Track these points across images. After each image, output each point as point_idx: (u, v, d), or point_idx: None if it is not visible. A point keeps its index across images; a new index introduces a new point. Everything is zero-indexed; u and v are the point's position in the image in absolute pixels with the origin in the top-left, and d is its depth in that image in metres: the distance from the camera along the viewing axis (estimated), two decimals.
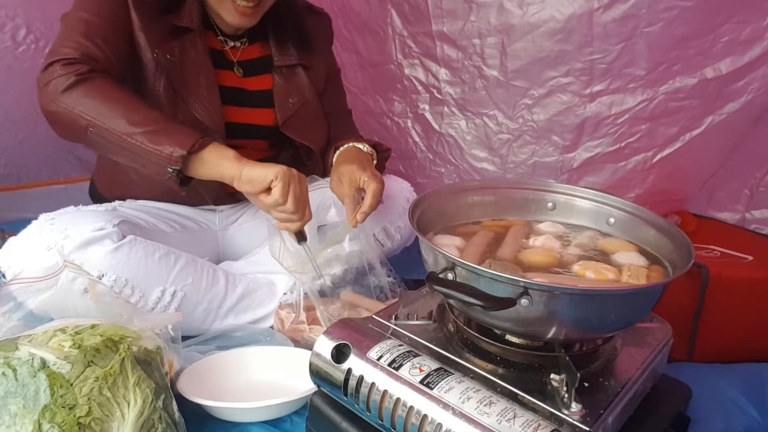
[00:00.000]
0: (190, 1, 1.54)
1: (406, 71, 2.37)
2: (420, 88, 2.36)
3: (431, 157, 2.40)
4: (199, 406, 1.22)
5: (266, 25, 1.71)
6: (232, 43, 1.69)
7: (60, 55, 1.38)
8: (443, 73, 2.27)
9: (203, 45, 1.57)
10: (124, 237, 1.41)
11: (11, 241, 1.39)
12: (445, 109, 2.31)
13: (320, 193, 1.75)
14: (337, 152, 1.75)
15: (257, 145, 1.75)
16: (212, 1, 1.55)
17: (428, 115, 2.37)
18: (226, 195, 1.76)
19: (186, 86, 1.54)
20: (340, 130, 1.90)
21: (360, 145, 1.74)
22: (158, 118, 1.37)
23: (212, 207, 1.79)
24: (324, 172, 1.86)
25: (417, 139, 2.43)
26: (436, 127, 2.35)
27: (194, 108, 1.55)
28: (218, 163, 1.37)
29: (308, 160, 1.83)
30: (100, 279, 1.35)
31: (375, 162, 1.74)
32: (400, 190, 1.84)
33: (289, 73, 1.75)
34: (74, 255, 1.33)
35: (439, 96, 2.31)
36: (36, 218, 1.43)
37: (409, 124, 2.44)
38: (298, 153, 1.81)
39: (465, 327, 1.08)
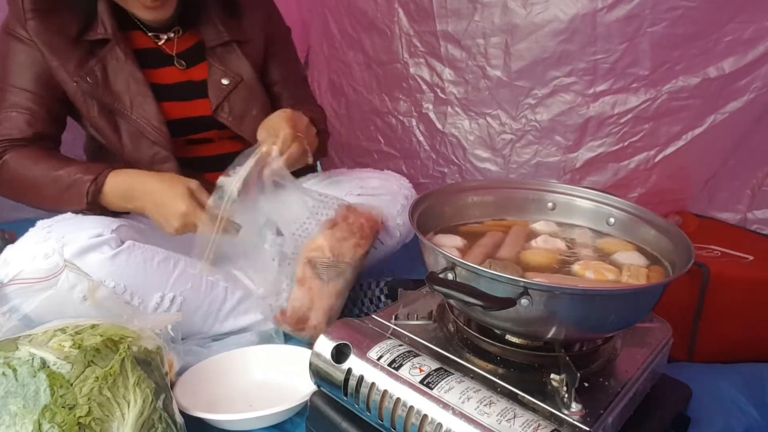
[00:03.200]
0: (100, 11, 1.49)
1: (412, 70, 2.36)
2: (424, 87, 2.35)
3: (434, 156, 2.40)
4: None
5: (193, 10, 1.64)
6: (164, 36, 1.62)
7: None
8: (447, 72, 2.26)
9: (125, 50, 1.52)
10: (122, 243, 1.40)
11: (8, 250, 1.37)
12: (449, 108, 2.30)
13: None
14: None
15: (225, 134, 1.69)
16: (119, 1, 1.49)
17: (432, 115, 2.36)
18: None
19: (119, 101, 1.52)
20: (294, 99, 1.83)
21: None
22: (57, 178, 1.43)
23: None
24: None
25: (421, 138, 2.43)
26: (439, 126, 2.34)
27: (132, 120, 1.53)
28: (120, 205, 1.46)
29: None
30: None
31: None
32: (399, 187, 1.81)
33: (223, 53, 1.66)
34: (72, 262, 1.32)
35: (443, 96, 2.31)
36: (35, 219, 1.43)
37: (414, 123, 2.43)
38: None
39: (465, 327, 1.08)
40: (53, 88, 1.49)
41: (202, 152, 1.68)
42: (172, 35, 1.63)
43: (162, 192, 1.40)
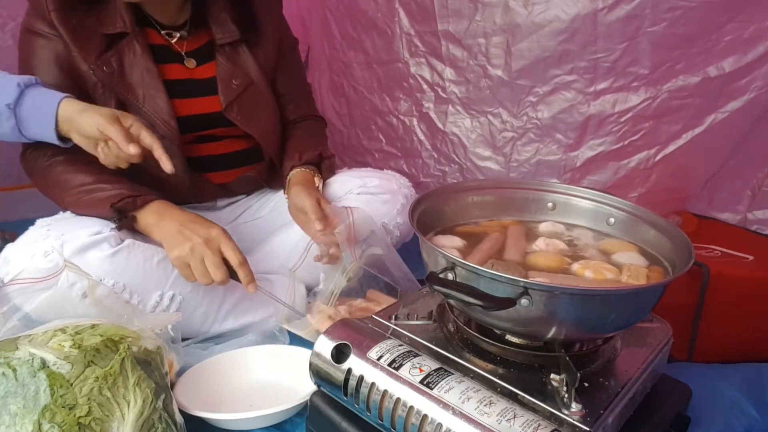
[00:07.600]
0: (118, 6, 1.50)
1: (412, 70, 2.36)
2: (425, 86, 2.35)
3: (436, 155, 2.40)
4: None
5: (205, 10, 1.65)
6: (177, 35, 1.63)
7: None
8: (448, 72, 2.27)
9: (142, 45, 1.53)
10: (122, 241, 1.40)
11: (8, 248, 1.36)
12: (450, 107, 2.30)
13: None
14: (290, 175, 1.72)
15: (231, 132, 1.70)
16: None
17: (432, 114, 2.36)
18: (218, 189, 1.77)
19: (133, 93, 1.52)
20: (298, 109, 1.89)
21: (305, 169, 1.72)
22: (86, 188, 1.44)
23: (212, 204, 1.80)
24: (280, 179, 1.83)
25: (422, 137, 2.43)
26: (440, 125, 2.34)
27: (142, 113, 1.52)
28: (146, 220, 1.44)
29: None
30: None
31: (321, 184, 1.73)
32: (399, 187, 1.80)
33: (232, 52, 1.67)
34: (72, 260, 1.31)
35: (443, 95, 2.31)
36: (36, 218, 1.42)
37: (415, 122, 2.43)
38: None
39: (465, 327, 1.08)
40: (77, 79, 1.49)
41: (207, 151, 1.68)
42: (184, 33, 1.64)
43: (195, 217, 1.44)
